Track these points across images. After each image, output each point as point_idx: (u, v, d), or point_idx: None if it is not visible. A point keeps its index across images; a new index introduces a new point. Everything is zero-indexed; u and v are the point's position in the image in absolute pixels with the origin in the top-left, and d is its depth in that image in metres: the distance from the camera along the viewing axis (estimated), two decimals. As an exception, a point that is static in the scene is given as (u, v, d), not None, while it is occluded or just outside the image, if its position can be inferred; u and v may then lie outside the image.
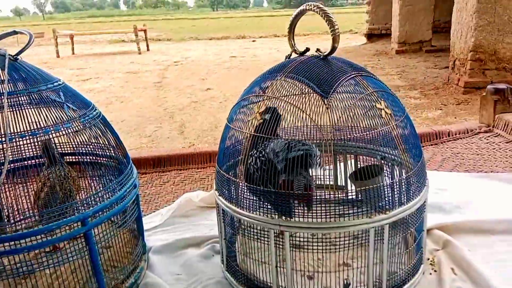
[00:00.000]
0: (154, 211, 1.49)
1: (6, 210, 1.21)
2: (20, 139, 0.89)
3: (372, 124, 0.94)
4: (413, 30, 6.94)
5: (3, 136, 0.87)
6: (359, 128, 0.94)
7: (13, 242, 0.87)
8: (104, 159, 1.08)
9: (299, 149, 0.93)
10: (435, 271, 1.11)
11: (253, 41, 11.50)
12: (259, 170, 0.94)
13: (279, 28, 13.92)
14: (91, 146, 1.03)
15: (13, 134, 0.88)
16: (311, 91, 0.94)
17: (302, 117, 0.93)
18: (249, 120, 0.98)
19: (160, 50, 10.35)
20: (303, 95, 0.95)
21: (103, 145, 1.05)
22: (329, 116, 0.90)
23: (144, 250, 1.17)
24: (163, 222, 1.39)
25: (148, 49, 10.15)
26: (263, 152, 0.96)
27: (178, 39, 12.80)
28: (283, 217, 0.91)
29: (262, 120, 0.97)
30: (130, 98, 5.69)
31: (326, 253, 0.98)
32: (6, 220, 1.18)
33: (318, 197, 0.94)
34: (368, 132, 0.94)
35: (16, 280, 1.00)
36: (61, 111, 0.97)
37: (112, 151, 1.07)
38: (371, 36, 8.87)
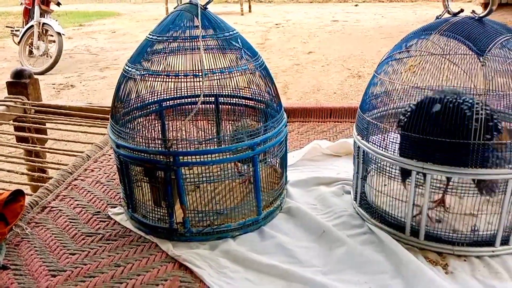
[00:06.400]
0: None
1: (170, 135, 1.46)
2: (212, 75, 1.10)
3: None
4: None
5: (199, 71, 1.09)
6: None
7: (199, 156, 1.11)
8: (262, 104, 1.27)
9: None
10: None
11: (356, 5, 11.14)
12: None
13: (383, -8, 13.23)
14: (257, 91, 1.22)
15: (207, 71, 1.10)
16: (467, 50, 1.02)
17: (453, 77, 1.02)
18: (401, 72, 1.09)
19: (262, 11, 10.50)
20: (458, 55, 1.03)
21: (264, 90, 1.24)
22: (484, 75, 0.97)
23: (286, 181, 1.37)
24: (295, 163, 1.57)
25: (250, 11, 10.36)
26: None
27: (279, 1, 12.82)
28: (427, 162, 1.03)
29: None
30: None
31: (461, 197, 1.08)
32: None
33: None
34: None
35: (189, 188, 1.25)
36: (238, 56, 1.16)
37: (270, 97, 1.25)
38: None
